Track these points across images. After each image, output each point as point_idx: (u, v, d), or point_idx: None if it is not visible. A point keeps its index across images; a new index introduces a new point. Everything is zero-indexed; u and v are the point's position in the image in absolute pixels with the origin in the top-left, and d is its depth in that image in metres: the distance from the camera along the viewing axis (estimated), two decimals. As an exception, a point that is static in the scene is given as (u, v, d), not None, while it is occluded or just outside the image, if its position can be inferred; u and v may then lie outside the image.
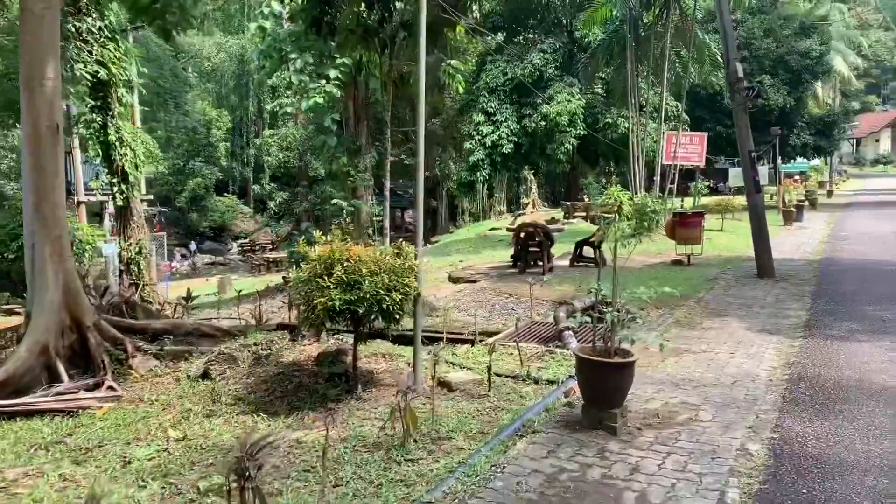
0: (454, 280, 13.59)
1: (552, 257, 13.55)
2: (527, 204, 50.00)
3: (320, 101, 32.11)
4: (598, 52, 23.48)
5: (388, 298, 5.98)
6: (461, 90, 14.93)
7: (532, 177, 59.54)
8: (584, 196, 37.14)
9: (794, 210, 23.18)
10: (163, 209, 33.89)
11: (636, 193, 19.63)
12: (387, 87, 16.75)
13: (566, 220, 28.08)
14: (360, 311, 6.11)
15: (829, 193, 42.82)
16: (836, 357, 6.98)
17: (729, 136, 35.83)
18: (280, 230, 53.36)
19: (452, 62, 16.04)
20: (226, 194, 50.44)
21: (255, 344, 7.96)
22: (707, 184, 40.94)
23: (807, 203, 30.61)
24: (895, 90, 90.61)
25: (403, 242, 6.71)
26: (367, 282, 5.94)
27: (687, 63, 22.37)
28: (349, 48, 15.94)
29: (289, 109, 32.58)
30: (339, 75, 30.79)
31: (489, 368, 6.45)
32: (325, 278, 5.97)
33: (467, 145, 31.06)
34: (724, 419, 5.34)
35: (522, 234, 13.31)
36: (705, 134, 24.60)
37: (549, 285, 12.06)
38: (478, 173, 31.11)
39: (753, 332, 8.24)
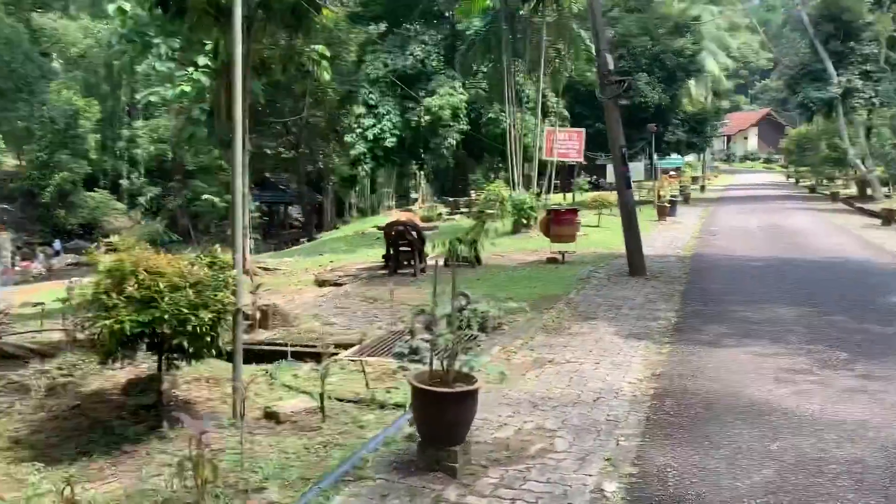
0: (320, 283, 12.59)
1: (426, 257, 12.80)
2: (415, 199, 49.47)
3: (187, 89, 30.26)
4: (476, 45, 22.92)
5: (194, 318, 4.97)
6: (327, 76, 13.92)
7: (421, 172, 59.00)
8: (472, 192, 36.81)
9: (667, 205, 23.59)
10: (5, 206, 30.58)
11: (514, 189, 19.25)
12: (247, 75, 15.41)
13: (448, 217, 27.54)
14: (165, 333, 5.08)
15: (702, 188, 44.57)
16: (704, 367, 6.55)
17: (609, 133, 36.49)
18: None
19: (317, 47, 15.05)
20: (97, 189, 47.08)
21: (58, 368, 6.74)
22: (589, 179, 41.64)
23: (681, 198, 31.49)
24: (761, 90, 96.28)
25: (219, 248, 5.71)
26: (166, 298, 4.91)
27: (564, 57, 22.20)
28: (203, 30, 14.55)
29: (152, 98, 30.33)
30: (209, 62, 28.89)
31: (322, 395, 5.56)
32: (114, 295, 4.89)
33: (348, 138, 29.98)
34: (581, 448, 4.69)
35: (392, 234, 12.48)
36: (583, 130, 24.60)
37: (420, 288, 11.29)
38: (359, 168, 30.09)
39: (621, 336, 7.77)
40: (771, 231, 19.10)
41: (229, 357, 7.33)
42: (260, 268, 14.20)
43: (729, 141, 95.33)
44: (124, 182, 47.43)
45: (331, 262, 15.56)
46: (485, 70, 30.02)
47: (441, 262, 13.59)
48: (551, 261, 13.98)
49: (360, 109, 29.78)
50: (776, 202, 30.87)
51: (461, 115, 29.67)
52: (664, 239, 18.03)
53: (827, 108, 33.77)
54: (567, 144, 23.04)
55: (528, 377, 6.39)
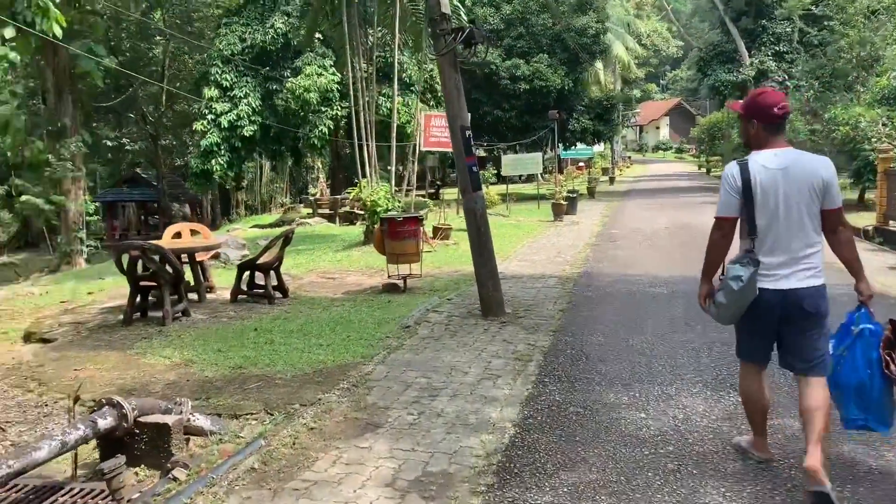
0: (27, 336, 8.33)
1: (184, 294, 8.69)
2: (315, 194, 44.73)
3: (-11, 67, 24.54)
4: (313, 3, 18.19)
5: None
6: (57, 30, 9.58)
7: (321, 164, 54.47)
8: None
9: (563, 203, 20.15)
10: None
11: (370, 184, 15.27)
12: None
13: (301, 220, 23.36)
14: None
15: (612, 180, 41.93)
16: None
17: (508, 121, 33.06)
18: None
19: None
20: None
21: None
22: (494, 171, 38.07)
23: (585, 193, 28.37)
24: (672, 80, 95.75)
25: None
26: None
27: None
28: None
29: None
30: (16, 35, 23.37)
31: None
32: None
33: (198, 126, 25.34)
34: None
35: (127, 261, 8.28)
36: (468, 115, 20.82)
37: (151, 351, 7.20)
38: (213, 161, 25.46)
39: (397, 490, 3.94)
40: (681, 234, 15.83)
41: None
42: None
43: (641, 131, 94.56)
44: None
45: (90, 293, 11.20)
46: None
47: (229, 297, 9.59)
48: (389, 289, 10.12)
49: (213, 92, 25.18)
50: (687, 195, 28.01)
51: (333, 99, 25.50)
52: (551, 248, 14.47)
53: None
54: (445, 132, 19.20)
55: None
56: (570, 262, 12.30)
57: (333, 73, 25.14)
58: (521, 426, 4.83)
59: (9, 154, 25.49)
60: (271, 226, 25.86)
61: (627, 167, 59.38)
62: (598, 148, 49.71)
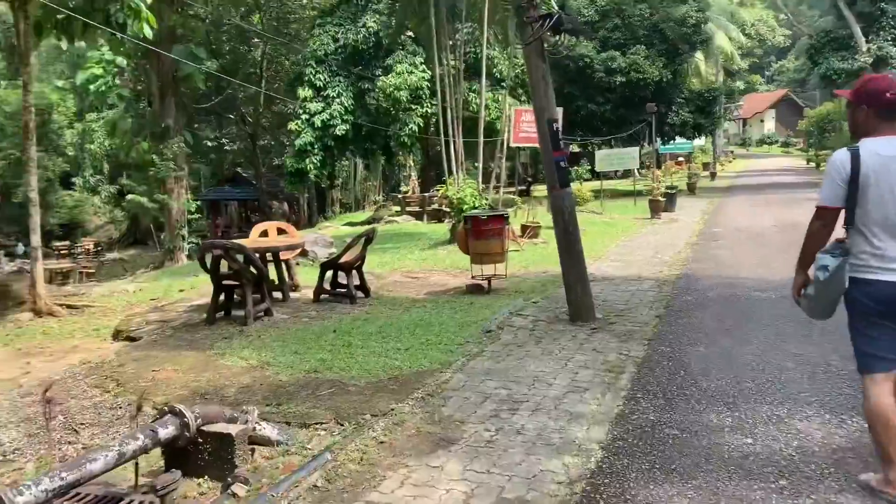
0: (116, 334, 8.47)
1: (267, 293, 8.61)
2: (406, 191, 45.07)
3: (98, 71, 25.91)
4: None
5: None
6: (147, 31, 9.71)
7: (412, 161, 54.84)
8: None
9: (661, 199, 19.19)
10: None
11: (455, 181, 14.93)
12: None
13: (389, 218, 23.29)
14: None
15: (713, 175, 40.08)
16: None
17: (603, 116, 32.09)
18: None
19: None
20: (76, 186, 44.01)
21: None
22: (588, 167, 37.14)
23: (685, 188, 27.13)
24: (778, 71, 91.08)
25: None
26: None
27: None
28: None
29: (59, 84, 26.35)
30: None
31: None
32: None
33: (293, 126, 25.79)
34: None
35: (209, 260, 8.28)
36: (560, 109, 20.13)
37: (231, 352, 7.11)
38: (307, 160, 25.86)
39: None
40: (789, 233, 14.66)
41: None
42: (60, 305, 10.07)
43: (744, 124, 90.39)
44: (77, 180, 43.70)
45: (181, 290, 11.41)
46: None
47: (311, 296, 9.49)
48: (473, 290, 9.76)
49: (307, 92, 25.55)
50: (795, 191, 26.23)
51: (424, 96, 25.38)
52: (647, 247, 13.72)
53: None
54: (535, 126, 18.61)
55: None
56: (668, 263, 11.57)
57: (424, 71, 25.01)
58: (610, 449, 4.34)
59: (120, 155, 26.76)
60: (362, 223, 26.06)
61: (730, 162, 56.75)
62: (699, 142, 47.63)
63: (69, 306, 10.09)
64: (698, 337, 6.87)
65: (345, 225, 26.98)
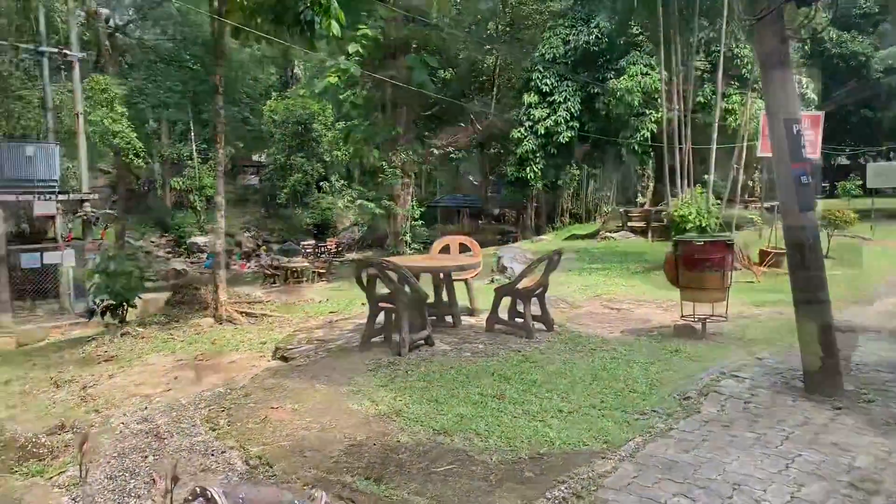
0: (275, 352, 7.94)
1: (427, 320, 7.52)
2: (643, 203, 42.52)
3: (334, 80, 27.11)
4: None
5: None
6: (335, 29, 9.13)
7: (650, 171, 51.88)
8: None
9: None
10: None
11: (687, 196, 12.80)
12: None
13: (605, 234, 21.23)
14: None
15: None
16: None
17: (881, 123, 27.31)
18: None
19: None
20: (324, 190, 47.98)
21: None
22: (859, 183, 32.01)
23: None
24: None
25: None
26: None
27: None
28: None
29: (301, 92, 27.84)
30: (360, 49, 25.24)
31: None
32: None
33: (515, 133, 24.90)
34: None
35: (366, 279, 7.35)
36: (821, 114, 16.85)
37: (367, 392, 6.09)
38: (528, 168, 24.83)
39: None
40: None
41: None
42: (239, 312, 9.86)
43: None
44: (323, 184, 46.83)
45: (363, 304, 10.76)
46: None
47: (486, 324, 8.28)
48: (681, 332, 7.86)
49: (532, 98, 24.47)
50: None
51: (658, 100, 23.06)
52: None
53: None
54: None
55: None
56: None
57: (659, 73, 22.73)
58: None
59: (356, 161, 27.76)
60: (586, 237, 24.39)
61: None
62: None
63: (248, 314, 9.87)
64: None
65: (567, 238, 25.51)
